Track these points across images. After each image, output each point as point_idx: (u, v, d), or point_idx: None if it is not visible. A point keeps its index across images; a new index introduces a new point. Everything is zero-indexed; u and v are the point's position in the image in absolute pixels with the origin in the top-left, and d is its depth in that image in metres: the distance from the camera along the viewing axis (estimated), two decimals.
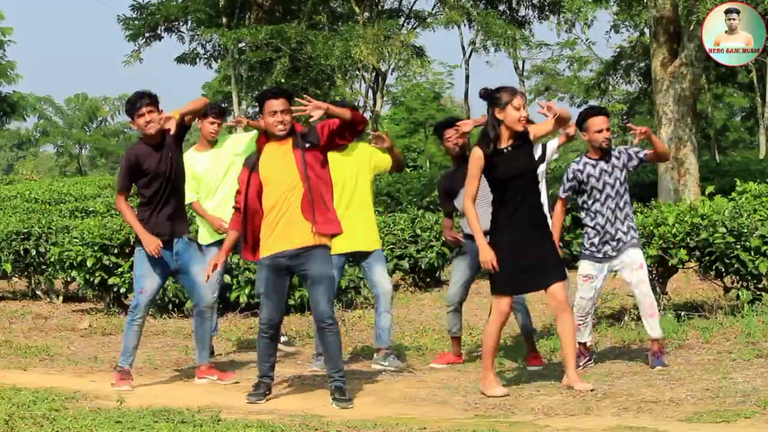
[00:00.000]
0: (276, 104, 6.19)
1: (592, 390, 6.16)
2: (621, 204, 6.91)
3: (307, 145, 6.20)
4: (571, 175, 6.97)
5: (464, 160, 6.99)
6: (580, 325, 6.88)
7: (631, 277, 6.90)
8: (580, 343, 6.93)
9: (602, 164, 6.91)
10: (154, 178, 6.80)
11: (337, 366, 6.22)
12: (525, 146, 6.30)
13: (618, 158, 6.93)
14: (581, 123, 6.97)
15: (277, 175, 6.19)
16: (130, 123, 7.08)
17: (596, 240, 6.91)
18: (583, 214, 7.03)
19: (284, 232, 6.17)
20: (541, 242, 6.31)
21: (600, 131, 6.88)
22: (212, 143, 8.00)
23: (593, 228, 6.92)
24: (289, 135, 6.25)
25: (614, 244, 6.89)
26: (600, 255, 6.91)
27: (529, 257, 6.22)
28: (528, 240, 6.23)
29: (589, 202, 6.94)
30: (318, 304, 6.21)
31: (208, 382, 7.00)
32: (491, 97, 6.28)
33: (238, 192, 6.39)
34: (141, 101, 6.81)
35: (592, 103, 49.31)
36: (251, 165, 6.31)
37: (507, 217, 6.23)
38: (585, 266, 6.97)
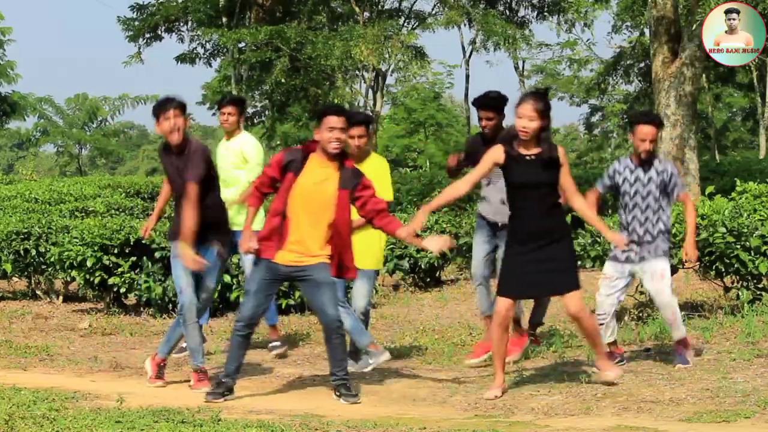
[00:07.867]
0: (335, 121, 6.20)
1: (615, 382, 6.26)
2: (651, 215, 6.87)
3: (346, 185, 6.24)
4: (610, 173, 6.97)
5: None
6: (600, 324, 6.77)
7: (650, 285, 6.89)
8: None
9: (639, 172, 6.89)
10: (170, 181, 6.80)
11: (342, 365, 6.30)
12: (546, 159, 6.17)
13: (659, 174, 6.87)
14: (630, 125, 7.02)
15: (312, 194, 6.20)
16: (155, 125, 6.80)
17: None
18: (618, 213, 7.09)
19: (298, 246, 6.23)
20: (551, 251, 6.18)
21: (643, 140, 6.84)
22: (229, 134, 8.27)
23: (621, 231, 6.93)
24: (338, 159, 6.26)
25: (638, 249, 6.86)
26: (622, 258, 6.90)
27: (536, 265, 6.16)
28: (537, 248, 6.16)
29: (622, 205, 6.97)
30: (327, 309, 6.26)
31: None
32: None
33: (265, 175, 6.34)
34: (169, 104, 6.70)
35: (593, 102, 49.35)
36: (296, 169, 6.23)
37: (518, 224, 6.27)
38: (607, 266, 7.02)
